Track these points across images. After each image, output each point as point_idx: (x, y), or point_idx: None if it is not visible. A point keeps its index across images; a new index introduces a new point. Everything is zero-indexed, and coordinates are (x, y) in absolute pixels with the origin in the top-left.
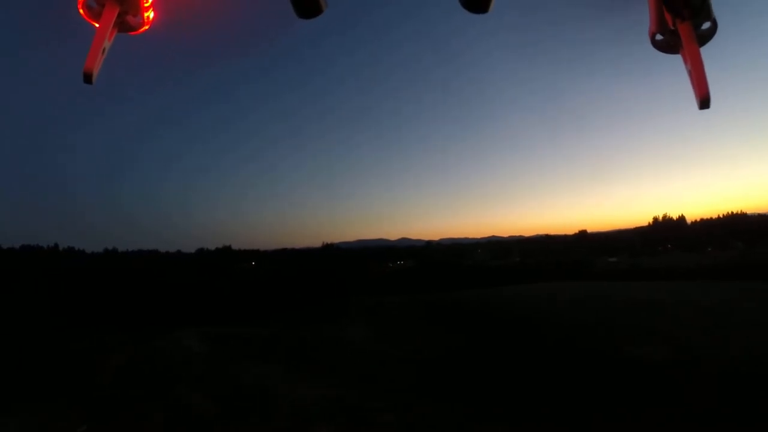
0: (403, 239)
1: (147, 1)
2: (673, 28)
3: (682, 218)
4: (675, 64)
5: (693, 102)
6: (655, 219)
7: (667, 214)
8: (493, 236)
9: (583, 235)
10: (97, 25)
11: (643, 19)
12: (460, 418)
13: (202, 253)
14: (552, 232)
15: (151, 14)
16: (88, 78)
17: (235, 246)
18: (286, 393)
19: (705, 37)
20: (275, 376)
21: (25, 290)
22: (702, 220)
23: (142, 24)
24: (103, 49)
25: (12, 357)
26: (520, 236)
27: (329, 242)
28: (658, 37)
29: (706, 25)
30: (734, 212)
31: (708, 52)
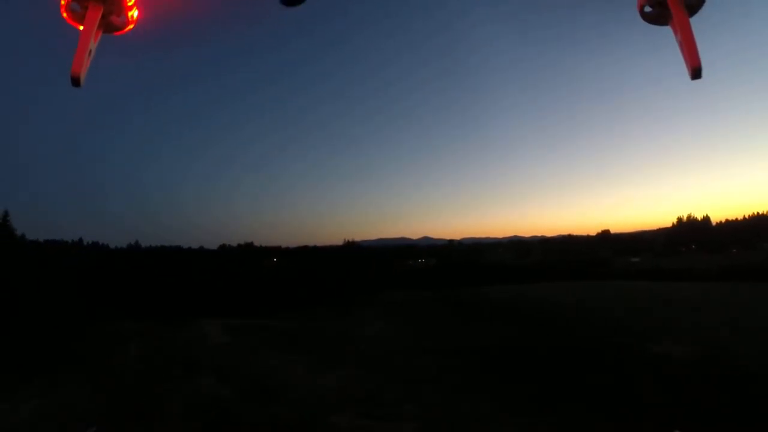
0: (425, 238)
1: (130, 0)
2: None
3: (706, 219)
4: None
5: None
6: (680, 219)
7: (692, 215)
8: (515, 236)
9: (605, 236)
10: (81, 28)
11: None
12: (475, 410)
13: (224, 249)
14: (574, 232)
15: (135, 13)
16: (75, 81)
17: (257, 243)
18: (306, 383)
19: (694, 7)
20: (295, 366)
21: (50, 282)
22: (727, 221)
23: (127, 23)
24: (89, 51)
25: (34, 344)
26: (542, 236)
27: (351, 240)
28: (647, 8)
29: None
30: (761, 213)
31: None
